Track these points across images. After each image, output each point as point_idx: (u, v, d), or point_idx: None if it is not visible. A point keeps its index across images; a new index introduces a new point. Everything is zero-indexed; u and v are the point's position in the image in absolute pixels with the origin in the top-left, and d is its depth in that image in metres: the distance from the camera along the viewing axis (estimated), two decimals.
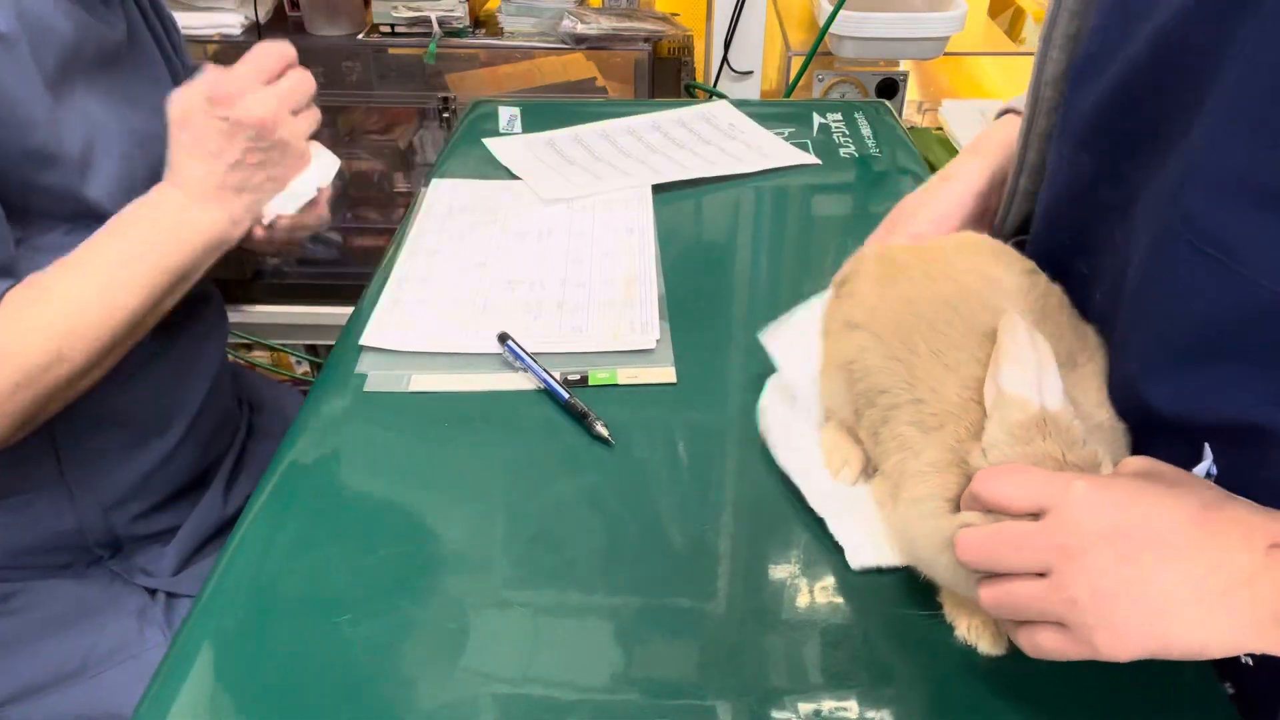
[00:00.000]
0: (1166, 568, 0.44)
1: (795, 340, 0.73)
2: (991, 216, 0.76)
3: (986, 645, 0.56)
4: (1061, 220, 0.65)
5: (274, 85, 0.74)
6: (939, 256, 0.63)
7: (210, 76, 0.74)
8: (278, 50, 0.75)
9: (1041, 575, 0.46)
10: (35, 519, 0.80)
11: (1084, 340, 0.60)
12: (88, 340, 0.69)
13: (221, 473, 0.91)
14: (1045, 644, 0.47)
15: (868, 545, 0.62)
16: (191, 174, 0.74)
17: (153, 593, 0.84)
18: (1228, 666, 0.55)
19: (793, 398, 0.71)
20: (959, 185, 0.76)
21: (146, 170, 0.78)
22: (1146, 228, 0.53)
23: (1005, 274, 0.60)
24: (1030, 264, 0.62)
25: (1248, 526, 0.44)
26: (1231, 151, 0.46)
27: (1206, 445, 0.51)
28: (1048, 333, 0.55)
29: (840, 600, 0.60)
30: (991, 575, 0.49)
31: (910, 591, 0.60)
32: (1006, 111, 0.81)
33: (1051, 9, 0.66)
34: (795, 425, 0.70)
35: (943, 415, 0.55)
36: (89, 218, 0.74)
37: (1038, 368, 0.52)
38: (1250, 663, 0.53)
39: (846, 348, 0.64)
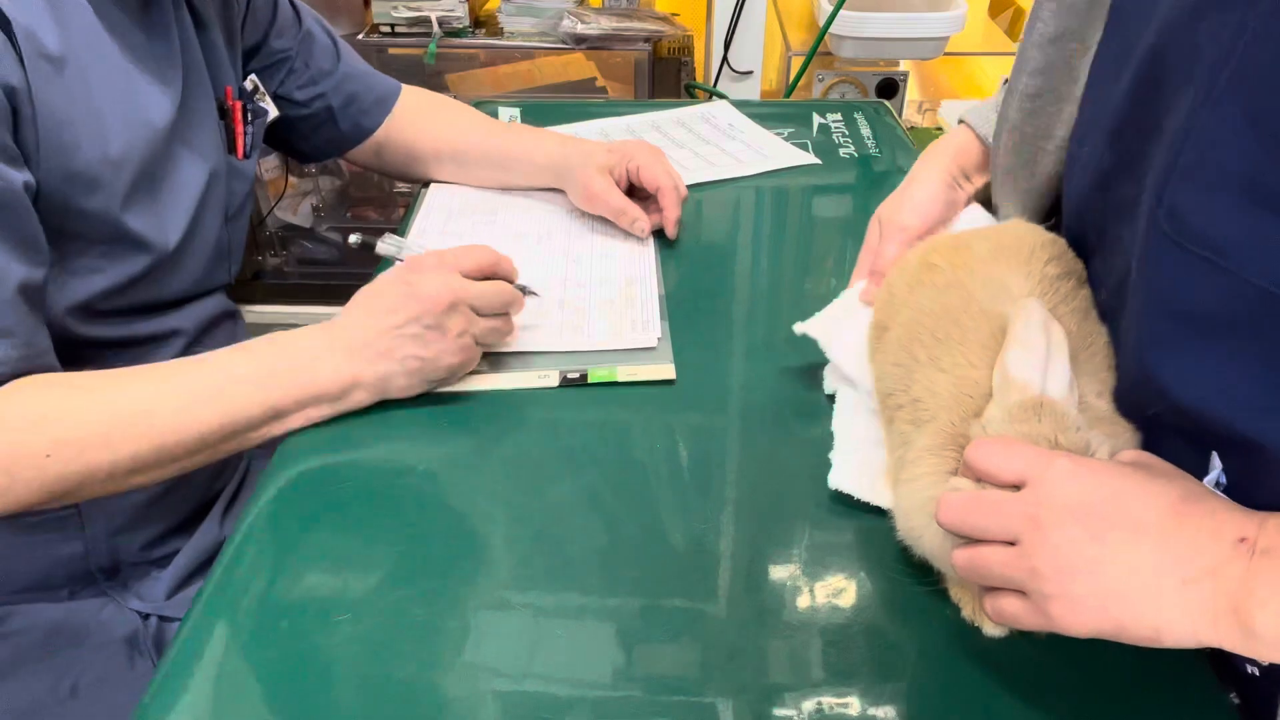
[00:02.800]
0: (1132, 551, 0.45)
1: (833, 323, 0.76)
2: (958, 205, 0.79)
3: (990, 627, 0.56)
4: (1085, 217, 0.65)
5: (463, 277, 0.73)
6: (966, 262, 0.64)
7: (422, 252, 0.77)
8: (488, 254, 0.75)
9: (1013, 544, 0.48)
10: (43, 541, 0.79)
11: (1089, 340, 0.60)
12: (144, 440, 0.66)
13: (224, 496, 0.90)
14: (1006, 609, 0.49)
15: (851, 474, 0.67)
16: (351, 319, 0.73)
17: (145, 618, 0.83)
18: (1233, 676, 0.55)
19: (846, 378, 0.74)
20: (924, 186, 0.78)
21: (186, 201, 0.78)
22: (1140, 224, 0.53)
23: (1019, 280, 0.60)
24: (1064, 267, 0.62)
25: (1220, 520, 0.45)
26: (1218, 149, 0.46)
27: (1215, 454, 0.51)
28: None
29: (840, 599, 0.60)
30: (969, 541, 0.51)
31: (910, 588, 0.60)
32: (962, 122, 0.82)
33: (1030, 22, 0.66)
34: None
35: (935, 409, 0.57)
36: (125, 242, 0.74)
37: (1045, 354, 0.53)
38: (1256, 673, 0.53)
39: (875, 346, 0.68)
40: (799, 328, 0.76)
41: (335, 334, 0.73)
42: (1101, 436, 0.53)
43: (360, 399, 0.73)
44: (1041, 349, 0.53)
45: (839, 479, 0.67)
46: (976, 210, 0.79)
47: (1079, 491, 0.47)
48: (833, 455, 0.69)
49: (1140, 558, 0.45)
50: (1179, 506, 0.46)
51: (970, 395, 0.56)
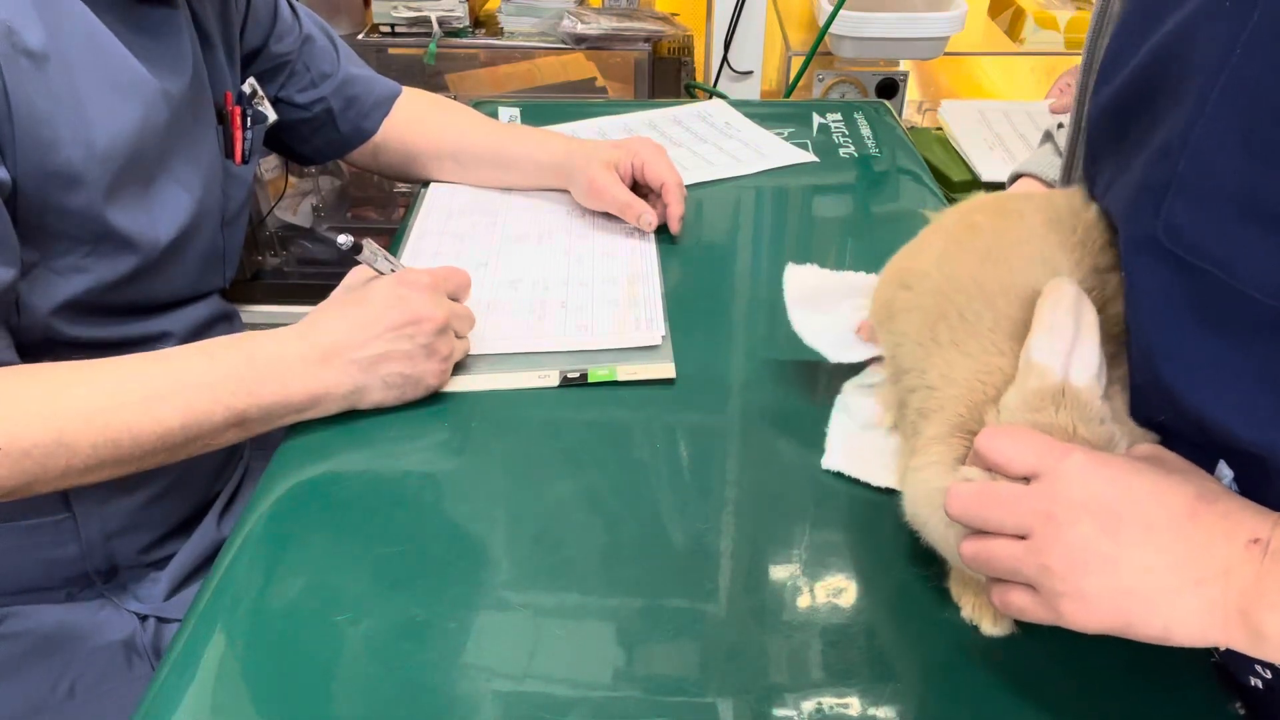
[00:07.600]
0: (1145, 549, 0.45)
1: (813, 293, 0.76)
2: None
3: (988, 626, 0.56)
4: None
5: (448, 299, 0.75)
6: (1013, 231, 0.60)
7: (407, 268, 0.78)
8: (465, 276, 0.79)
9: (1023, 538, 0.47)
10: (37, 544, 0.79)
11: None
12: (102, 438, 0.64)
13: (221, 498, 0.90)
14: (1015, 602, 0.49)
15: (843, 455, 0.69)
16: (331, 325, 0.72)
17: (143, 619, 0.83)
18: (1237, 686, 0.54)
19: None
20: None
21: (180, 204, 0.79)
22: (1129, 238, 0.53)
23: (1072, 268, 0.57)
24: (1115, 258, 0.57)
25: (1234, 521, 0.44)
26: (1213, 163, 0.45)
27: (1223, 462, 0.51)
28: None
29: (840, 599, 0.60)
30: (977, 531, 0.50)
31: (910, 588, 0.60)
32: (1019, 176, 0.81)
33: (1094, 22, 0.64)
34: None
35: (945, 398, 0.56)
36: (112, 241, 0.73)
37: (1073, 340, 0.51)
38: (1259, 685, 0.53)
39: (890, 306, 0.65)
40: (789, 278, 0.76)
41: (311, 341, 0.71)
42: (1124, 430, 0.52)
43: (327, 409, 0.72)
44: (1068, 333, 0.51)
45: (833, 460, 0.68)
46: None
47: (1094, 487, 0.46)
48: (829, 429, 0.70)
49: (1153, 556, 0.44)
50: (1194, 505, 0.45)
51: (984, 382, 0.54)
